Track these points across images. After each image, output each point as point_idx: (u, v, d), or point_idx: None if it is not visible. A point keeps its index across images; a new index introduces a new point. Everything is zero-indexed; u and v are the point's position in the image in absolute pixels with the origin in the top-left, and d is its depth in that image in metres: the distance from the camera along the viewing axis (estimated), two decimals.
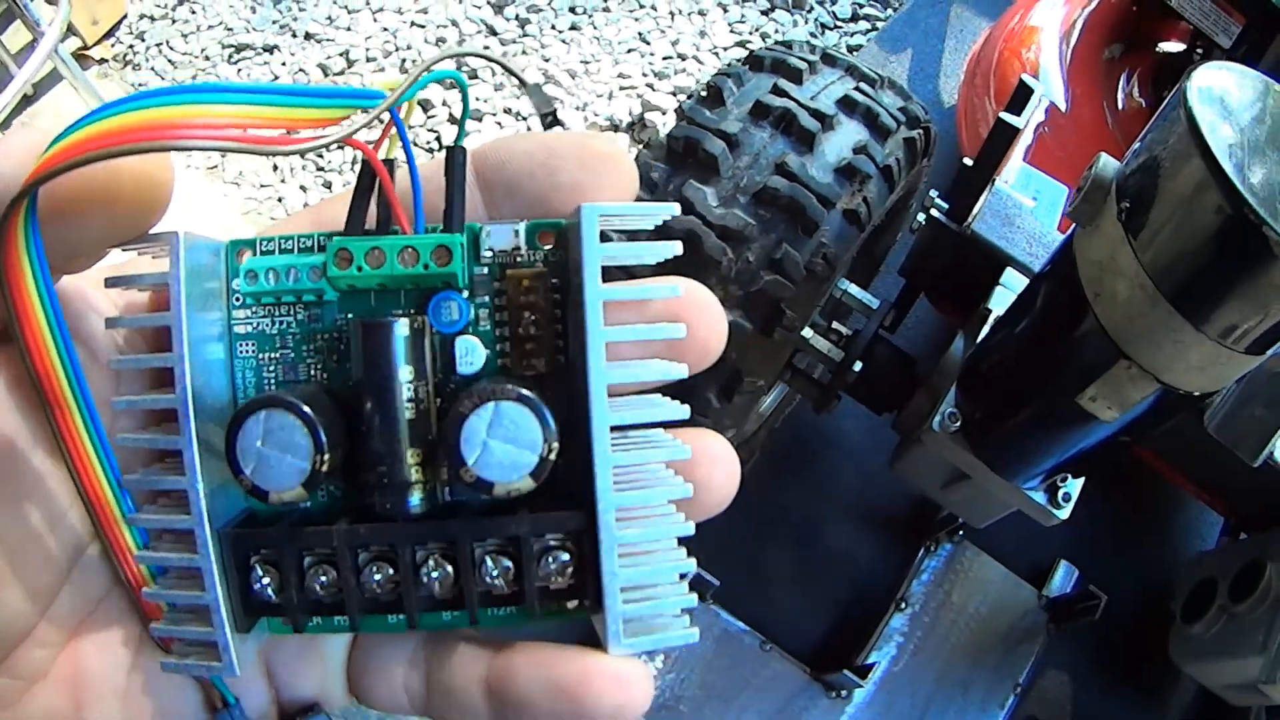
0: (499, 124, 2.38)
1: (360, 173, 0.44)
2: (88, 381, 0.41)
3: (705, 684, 1.65)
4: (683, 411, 0.43)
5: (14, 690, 0.42)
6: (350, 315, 0.45)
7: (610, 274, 0.42)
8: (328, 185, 2.40)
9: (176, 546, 0.43)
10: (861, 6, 2.66)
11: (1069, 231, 0.93)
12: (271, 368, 0.45)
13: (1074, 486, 1.14)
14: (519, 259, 0.44)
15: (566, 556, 0.43)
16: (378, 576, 0.42)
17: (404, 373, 0.42)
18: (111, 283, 0.43)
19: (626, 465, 0.42)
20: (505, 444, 0.40)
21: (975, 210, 1.34)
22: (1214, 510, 1.65)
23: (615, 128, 2.41)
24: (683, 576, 0.43)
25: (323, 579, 0.43)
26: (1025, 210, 1.35)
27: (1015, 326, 1.08)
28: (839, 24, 2.63)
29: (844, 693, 1.65)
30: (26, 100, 2.54)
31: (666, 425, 0.43)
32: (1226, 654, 1.38)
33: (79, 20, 2.66)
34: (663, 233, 0.45)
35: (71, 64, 2.36)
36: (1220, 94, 0.74)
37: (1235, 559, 1.43)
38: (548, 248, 0.44)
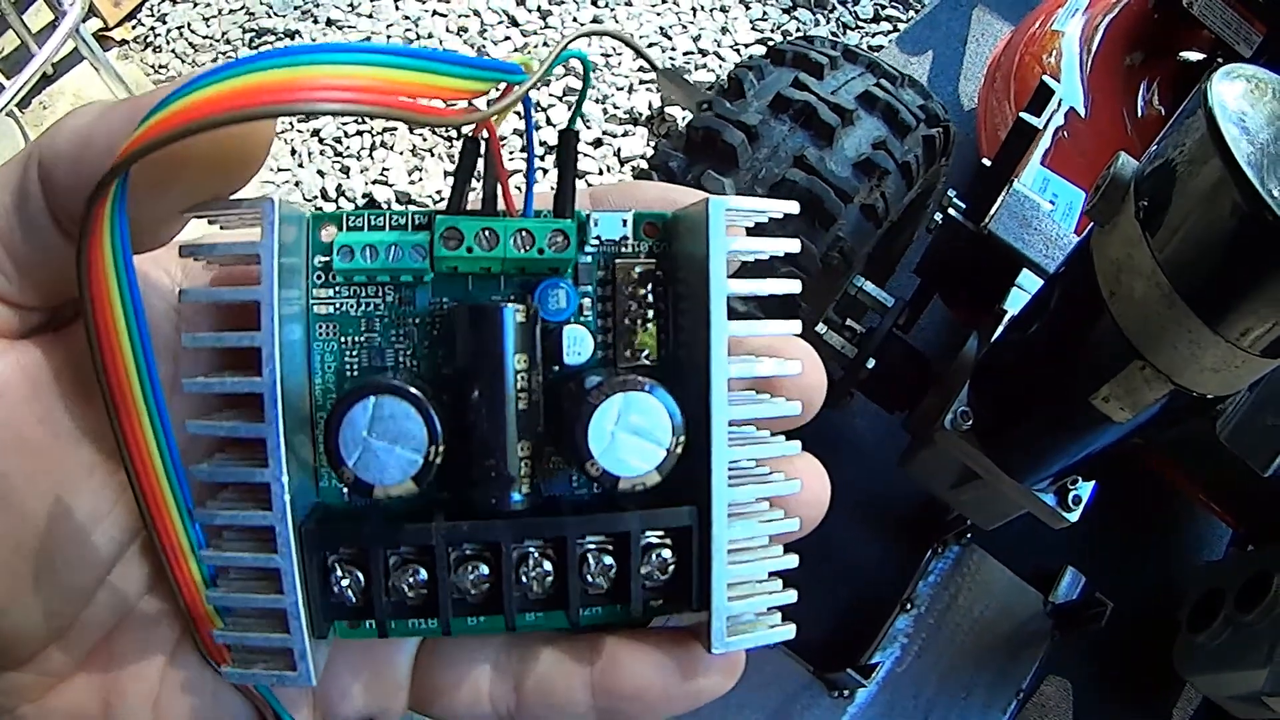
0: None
1: (463, 151, 0.41)
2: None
3: None
4: (794, 408, 0.42)
5: (42, 686, 0.41)
6: (445, 300, 0.42)
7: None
8: (345, 170, 2.40)
9: (247, 545, 0.40)
10: (883, 7, 2.65)
11: (1086, 231, 0.93)
12: (355, 352, 0.42)
13: (1085, 489, 1.14)
14: (625, 249, 0.43)
15: (668, 554, 0.41)
16: (472, 576, 0.40)
17: (516, 361, 0.39)
18: (188, 251, 0.40)
19: (737, 461, 0.41)
20: (633, 436, 0.38)
21: (992, 211, 1.33)
22: (1223, 522, 1.65)
23: (634, 121, 2.40)
24: (778, 575, 0.43)
25: (410, 579, 0.40)
26: (1043, 212, 1.35)
27: (1030, 326, 1.08)
28: (860, 24, 2.62)
29: (846, 692, 1.65)
30: (46, 79, 2.53)
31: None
32: (1231, 665, 1.37)
33: (100, 1, 2.66)
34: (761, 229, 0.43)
35: (92, 44, 2.36)
36: (1242, 95, 0.74)
37: (1243, 570, 1.42)
38: (652, 240, 0.43)
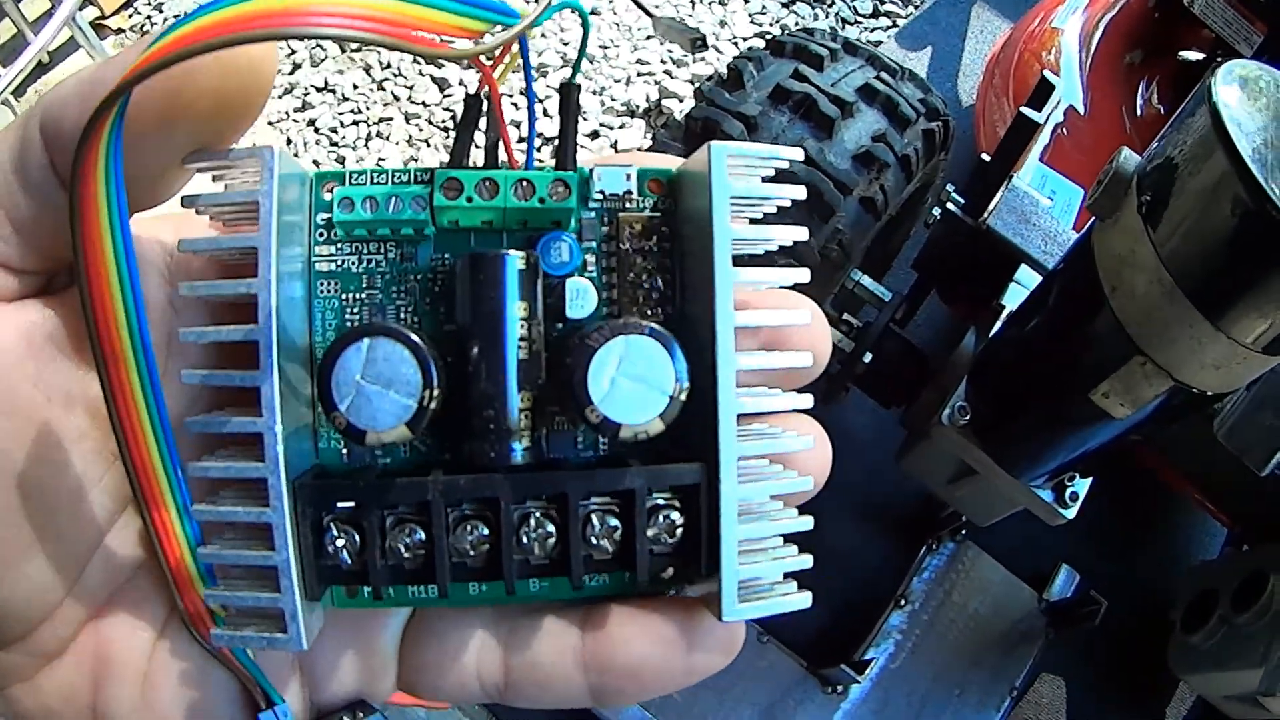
0: (514, 104, 2.37)
1: (465, 105, 0.41)
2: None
3: None
4: (805, 359, 0.41)
5: (33, 665, 0.41)
6: (448, 256, 0.42)
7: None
8: (340, 160, 2.39)
9: (240, 500, 0.39)
10: (883, 3, 2.65)
11: (1086, 226, 0.92)
12: (356, 309, 0.42)
13: (1082, 486, 1.13)
14: (629, 204, 0.43)
15: (676, 516, 0.40)
16: (471, 537, 0.39)
17: (517, 309, 0.39)
18: (188, 201, 0.39)
19: (747, 418, 0.40)
20: (634, 382, 0.37)
21: (991, 206, 1.33)
22: (1218, 521, 1.65)
23: (632, 113, 2.40)
24: (792, 539, 0.42)
25: (407, 539, 0.39)
26: (1041, 208, 1.34)
27: (1029, 321, 1.07)
28: (860, 19, 2.62)
29: (840, 688, 1.65)
30: (42, 68, 2.54)
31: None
32: (1226, 665, 1.37)
33: None
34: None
35: (88, 32, 2.36)
36: (1246, 91, 0.73)
37: (1238, 570, 1.42)
38: (657, 196, 0.43)
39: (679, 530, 0.40)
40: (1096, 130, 1.91)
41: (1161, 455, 1.42)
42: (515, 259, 0.39)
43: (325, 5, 0.31)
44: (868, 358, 1.31)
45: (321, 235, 0.42)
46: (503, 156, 0.42)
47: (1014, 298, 1.26)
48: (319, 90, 2.49)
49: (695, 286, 0.41)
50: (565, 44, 2.52)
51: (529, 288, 0.39)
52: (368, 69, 2.51)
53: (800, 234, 0.42)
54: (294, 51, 2.57)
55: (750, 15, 2.61)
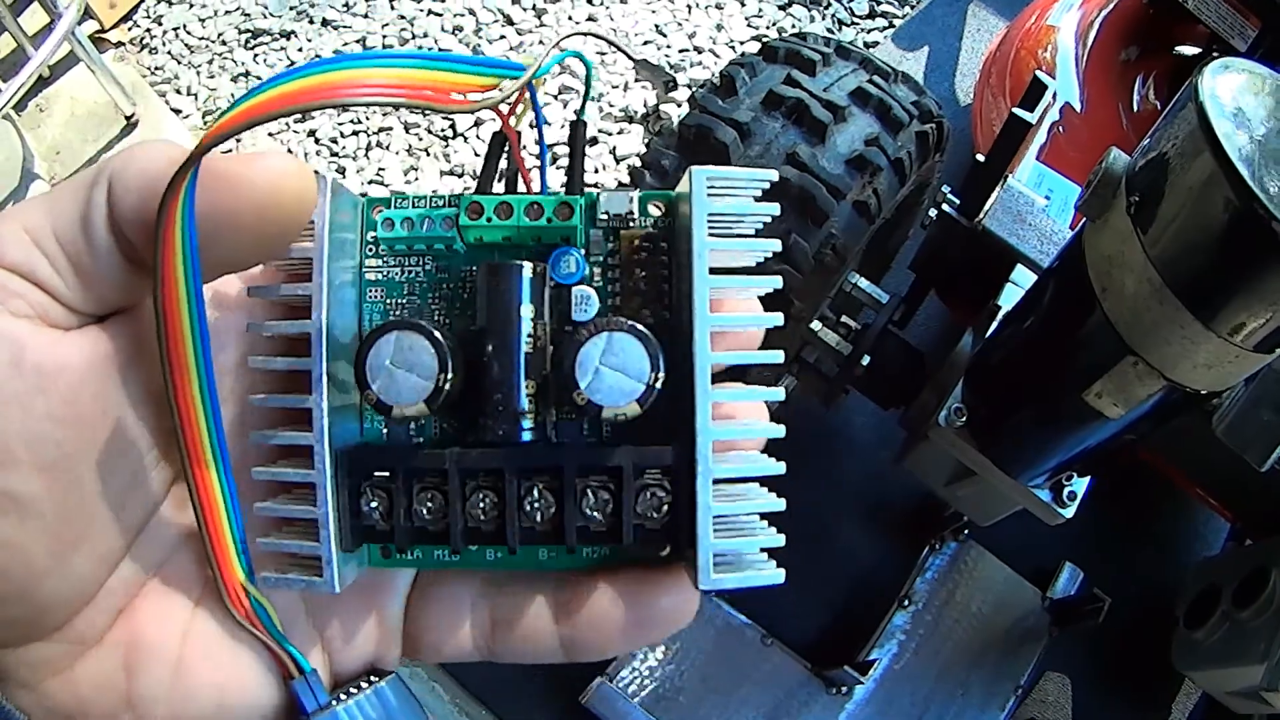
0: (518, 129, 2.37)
1: (491, 140, 0.48)
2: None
3: (705, 676, 1.65)
4: (777, 356, 0.45)
5: (68, 655, 0.43)
6: (475, 267, 0.48)
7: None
8: (341, 171, 2.40)
9: (292, 464, 0.46)
10: (879, 3, 2.64)
11: (1078, 227, 0.92)
12: (398, 312, 0.49)
13: (1080, 485, 1.13)
14: (631, 223, 0.48)
15: (663, 494, 0.45)
16: (483, 504, 0.45)
17: (525, 310, 0.45)
18: (255, 292, 0.47)
19: (723, 404, 0.45)
20: (615, 371, 0.43)
21: (987, 207, 1.33)
22: (1220, 516, 1.65)
23: (630, 119, 2.40)
24: (769, 518, 0.46)
25: (429, 504, 0.45)
26: (1037, 208, 1.34)
27: (1023, 322, 1.07)
28: (856, 20, 2.61)
29: (844, 689, 1.65)
30: (43, 82, 2.54)
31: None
32: (1229, 661, 1.37)
33: (96, 3, 2.66)
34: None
35: (88, 46, 2.36)
36: (1234, 89, 0.74)
37: (1240, 565, 1.42)
38: (658, 214, 0.48)
39: (665, 507, 0.45)
40: (1093, 127, 1.91)
41: (1161, 452, 1.42)
42: (525, 268, 0.46)
43: (366, 78, 0.39)
44: (866, 360, 1.31)
45: (370, 250, 0.49)
46: (521, 185, 0.50)
47: (1010, 298, 1.26)
48: None
49: (684, 293, 0.45)
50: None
51: (537, 293, 0.46)
52: None
53: (773, 245, 0.47)
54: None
55: (747, 19, 2.61)
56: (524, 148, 0.49)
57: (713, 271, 0.44)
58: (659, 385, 0.44)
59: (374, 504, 0.45)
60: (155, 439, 0.44)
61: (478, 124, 2.46)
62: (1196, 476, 1.46)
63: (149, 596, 0.45)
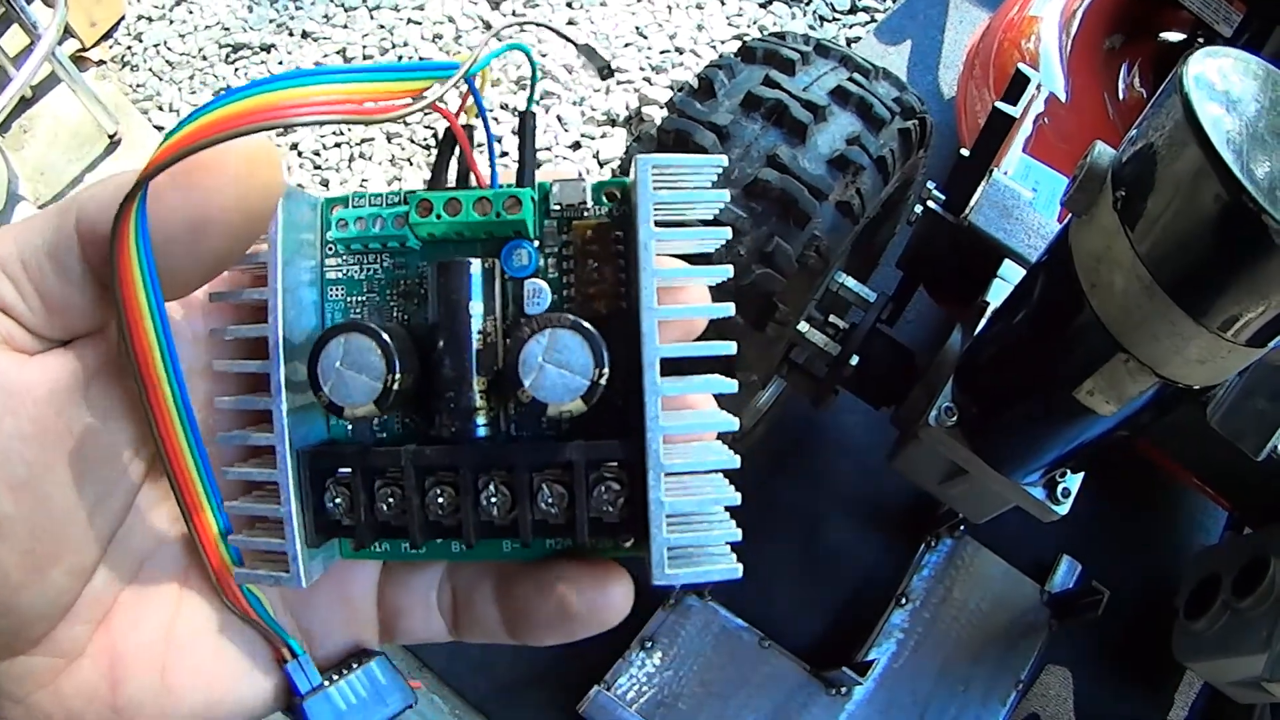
0: (496, 119, 2.37)
1: (442, 139, 0.48)
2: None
3: (704, 681, 1.65)
4: (729, 348, 0.46)
5: (53, 668, 0.44)
6: (431, 263, 0.48)
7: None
8: (325, 183, 2.39)
9: (259, 463, 0.47)
10: None
11: (1064, 222, 0.92)
12: (359, 310, 0.50)
13: (1073, 482, 1.13)
14: (585, 213, 0.48)
15: (618, 487, 0.45)
16: (441, 500, 0.46)
17: (474, 306, 0.46)
18: (217, 297, 0.48)
19: (675, 398, 0.45)
20: (559, 369, 0.43)
21: (973, 201, 1.32)
22: (1218, 505, 1.64)
23: (612, 122, 2.39)
24: (728, 510, 0.46)
25: (389, 500, 0.46)
26: (1023, 201, 1.33)
27: (1011, 319, 1.06)
28: (837, 16, 2.61)
29: (844, 690, 1.65)
30: (25, 103, 2.54)
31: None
32: (1230, 651, 1.36)
33: (77, 22, 2.65)
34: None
35: (69, 66, 2.35)
36: (1219, 79, 0.73)
37: (1239, 555, 1.41)
38: (612, 204, 0.48)
39: (621, 501, 0.45)
40: (1079, 117, 1.91)
41: (1156, 443, 1.41)
42: (474, 265, 0.46)
43: (299, 97, 0.39)
44: (855, 360, 1.30)
45: (330, 250, 0.50)
46: (473, 180, 0.49)
47: (998, 294, 1.26)
48: None
49: (633, 281, 0.45)
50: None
51: (487, 288, 0.47)
52: None
53: (723, 234, 0.47)
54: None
55: (727, 18, 2.60)
56: (479, 146, 0.49)
57: (680, 260, 0.45)
58: (603, 381, 0.44)
59: (337, 500, 0.46)
60: (122, 451, 0.45)
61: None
62: (1192, 467, 1.45)
63: (126, 604, 0.46)
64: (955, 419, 1.13)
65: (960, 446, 1.13)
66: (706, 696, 1.63)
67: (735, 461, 0.46)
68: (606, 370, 0.44)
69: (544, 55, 2.53)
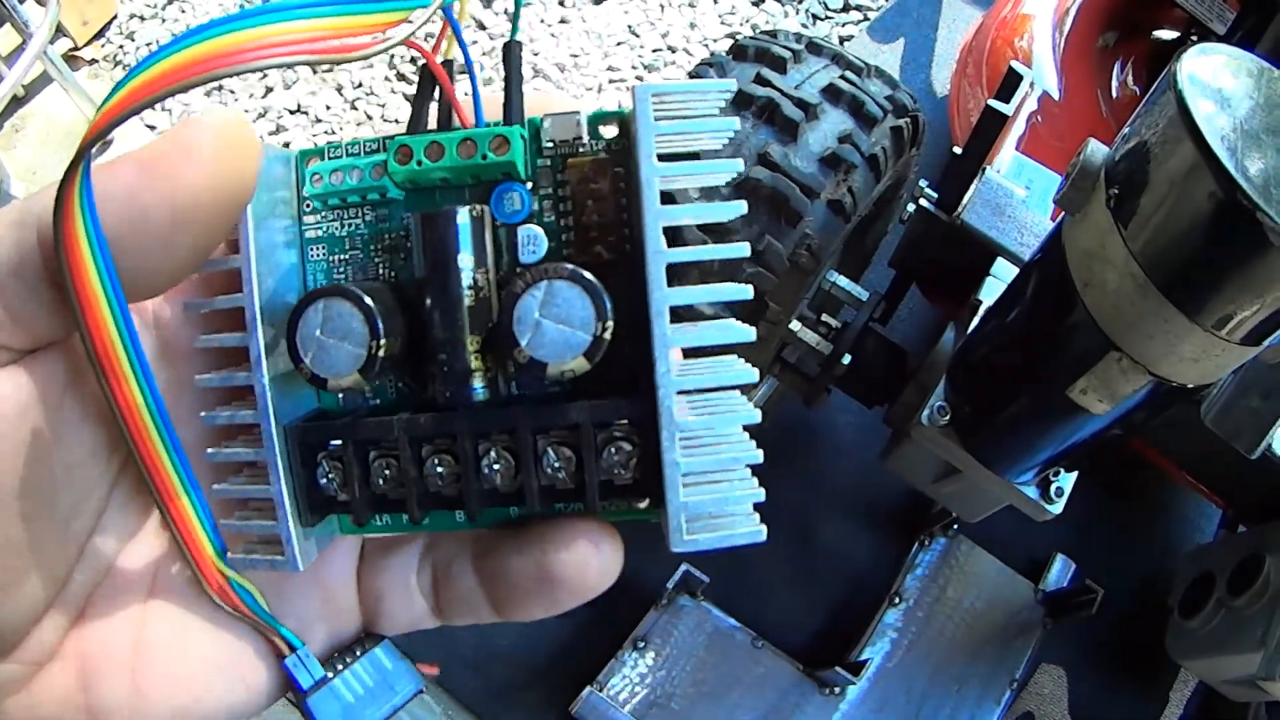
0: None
1: (420, 77, 0.45)
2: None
3: (696, 681, 1.64)
4: (745, 292, 0.42)
5: (24, 674, 0.43)
6: (416, 214, 0.45)
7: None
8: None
9: (244, 442, 0.45)
10: None
11: (1058, 220, 0.91)
12: (342, 269, 0.47)
13: (1066, 481, 1.12)
14: (580, 149, 0.45)
15: (629, 447, 0.42)
16: (440, 469, 0.43)
17: (463, 259, 0.43)
18: (191, 307, 0.46)
19: (690, 350, 0.43)
20: (558, 324, 0.40)
21: (965, 200, 1.32)
22: (1212, 503, 1.64)
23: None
24: (750, 469, 0.42)
25: (386, 472, 0.44)
26: (1016, 199, 1.33)
27: (1004, 317, 1.06)
28: (830, 14, 2.60)
29: (837, 689, 1.64)
30: (17, 101, 2.53)
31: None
32: (1224, 649, 1.36)
33: (69, 21, 2.64)
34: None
35: (61, 65, 2.35)
36: (1213, 76, 0.72)
37: (1233, 552, 1.41)
38: (611, 136, 0.44)
39: (633, 462, 0.42)
40: (1072, 115, 1.90)
41: (1150, 441, 1.41)
42: (461, 213, 0.43)
43: (253, 39, 0.35)
44: (847, 359, 1.29)
45: (307, 207, 0.47)
46: (456, 121, 0.45)
47: (991, 292, 1.26)
48: (292, 113, 2.48)
49: (637, 223, 0.42)
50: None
51: (477, 238, 0.43)
52: (339, 89, 2.50)
53: (735, 166, 0.43)
54: (265, 75, 2.56)
55: (720, 16, 2.60)
56: (461, 77, 0.46)
57: (666, 200, 0.41)
58: (607, 335, 0.41)
59: (330, 475, 0.44)
60: (94, 455, 0.44)
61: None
62: (1187, 466, 1.45)
63: (96, 606, 0.45)
64: (948, 418, 1.12)
65: (953, 446, 1.13)
66: (699, 697, 1.63)
67: (756, 415, 0.42)
68: (611, 323, 0.41)
69: (536, 54, 2.53)
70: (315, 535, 0.46)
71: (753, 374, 0.42)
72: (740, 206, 0.42)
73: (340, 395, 0.48)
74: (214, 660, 0.46)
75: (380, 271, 0.47)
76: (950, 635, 1.71)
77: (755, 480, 0.42)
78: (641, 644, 1.65)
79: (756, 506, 0.42)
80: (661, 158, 0.40)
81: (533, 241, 0.44)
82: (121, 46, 2.74)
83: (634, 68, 2.48)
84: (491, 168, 0.44)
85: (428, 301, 0.43)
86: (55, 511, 0.42)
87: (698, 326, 0.41)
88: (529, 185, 0.45)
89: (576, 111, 0.44)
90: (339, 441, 0.44)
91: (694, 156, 0.42)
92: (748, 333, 0.42)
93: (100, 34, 2.77)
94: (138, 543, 0.46)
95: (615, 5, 2.61)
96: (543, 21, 2.62)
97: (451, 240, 0.43)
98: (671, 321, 0.40)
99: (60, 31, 2.61)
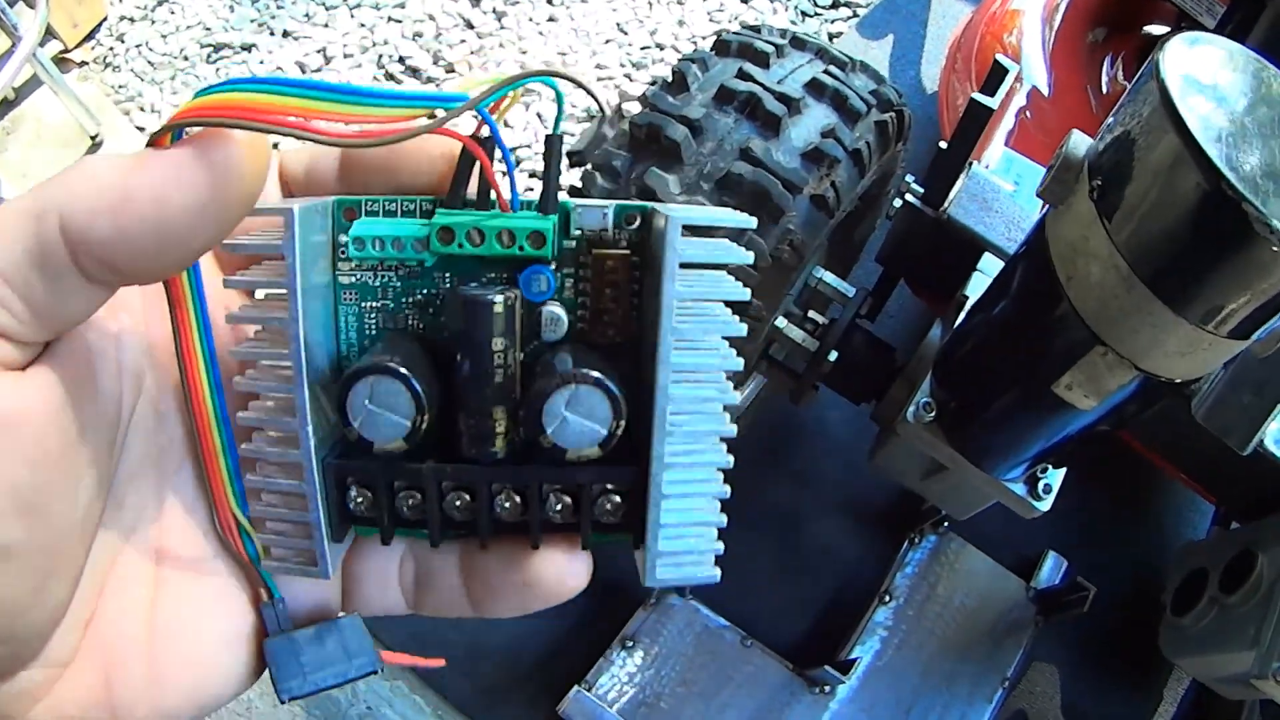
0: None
1: (460, 156, 0.48)
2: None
3: (686, 681, 1.64)
4: (736, 398, 0.48)
5: (49, 679, 0.43)
6: (448, 274, 0.50)
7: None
8: None
9: (282, 472, 0.48)
10: None
11: (1040, 214, 0.90)
12: (373, 315, 0.51)
13: (1055, 478, 1.12)
14: (605, 238, 0.49)
15: (619, 499, 0.49)
16: (457, 503, 0.49)
17: (497, 343, 0.47)
18: (227, 247, 0.46)
19: (681, 417, 0.47)
20: (580, 419, 0.46)
21: (951, 195, 1.31)
22: (1204, 499, 1.63)
23: (592, 118, 2.38)
24: (710, 524, 0.49)
25: (410, 502, 0.49)
26: (1003, 194, 1.33)
27: (989, 312, 1.05)
28: (819, 10, 2.60)
29: (827, 688, 1.64)
30: (7, 104, 2.54)
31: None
32: (1217, 647, 1.35)
33: (59, 23, 2.64)
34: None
35: (50, 67, 2.35)
36: (1196, 66, 0.71)
37: (1226, 549, 1.40)
38: (632, 227, 0.49)
39: (620, 512, 0.49)
40: (1062, 111, 1.90)
41: (1141, 438, 1.41)
42: (498, 303, 0.46)
43: (306, 110, 0.40)
44: (833, 355, 1.29)
45: (343, 253, 0.50)
46: (493, 197, 0.49)
47: (978, 288, 1.25)
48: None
49: (650, 316, 0.47)
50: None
51: (509, 324, 0.47)
52: None
53: (743, 295, 0.48)
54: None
55: (709, 13, 2.60)
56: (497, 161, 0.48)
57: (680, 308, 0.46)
58: (619, 431, 0.46)
59: (359, 499, 0.49)
60: (102, 450, 0.45)
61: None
62: (1178, 462, 1.44)
63: (107, 599, 0.46)
64: (933, 414, 1.12)
65: (939, 442, 1.12)
66: (688, 696, 1.62)
67: (726, 491, 0.49)
68: (623, 422, 0.46)
69: (524, 53, 2.53)
70: (340, 546, 0.50)
71: (731, 429, 0.49)
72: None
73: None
74: (218, 636, 0.48)
75: (410, 323, 0.51)
76: (941, 633, 1.71)
77: (715, 533, 0.50)
78: (630, 643, 1.64)
79: (716, 557, 0.50)
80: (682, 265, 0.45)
81: (554, 322, 0.50)
82: (111, 49, 2.75)
83: (622, 65, 2.48)
84: (524, 259, 0.48)
85: (462, 371, 0.47)
86: (77, 510, 0.43)
87: (691, 401, 0.47)
88: (553, 265, 0.49)
89: (605, 204, 0.49)
90: (369, 474, 0.49)
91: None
92: (733, 397, 0.48)
93: (90, 36, 2.77)
94: (137, 533, 0.47)
95: (603, 3, 2.61)
96: (531, 20, 2.61)
97: (488, 326, 0.46)
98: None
99: (50, 34, 2.61)
